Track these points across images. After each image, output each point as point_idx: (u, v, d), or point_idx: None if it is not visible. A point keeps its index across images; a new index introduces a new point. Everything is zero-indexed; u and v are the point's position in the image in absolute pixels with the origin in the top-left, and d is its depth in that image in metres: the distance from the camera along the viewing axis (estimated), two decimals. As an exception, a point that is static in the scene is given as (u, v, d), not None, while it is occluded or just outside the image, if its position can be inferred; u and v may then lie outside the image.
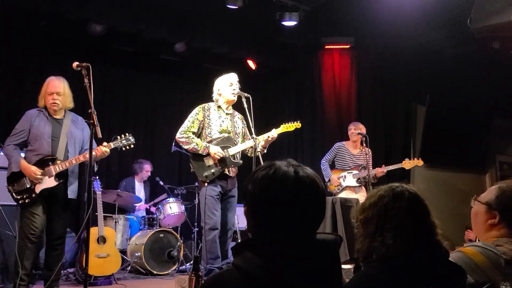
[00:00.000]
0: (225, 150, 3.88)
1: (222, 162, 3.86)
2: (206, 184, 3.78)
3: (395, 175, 5.39)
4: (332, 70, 6.83)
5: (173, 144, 5.98)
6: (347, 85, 6.79)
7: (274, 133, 3.97)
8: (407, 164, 5.32)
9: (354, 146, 5.48)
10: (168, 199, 5.70)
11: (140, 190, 6.22)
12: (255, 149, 3.62)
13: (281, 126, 4.05)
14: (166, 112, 7.19)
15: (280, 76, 7.40)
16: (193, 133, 3.89)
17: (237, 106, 4.14)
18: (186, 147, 3.85)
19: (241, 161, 3.95)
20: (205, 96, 4.22)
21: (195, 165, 3.87)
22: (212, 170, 3.82)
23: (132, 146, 3.80)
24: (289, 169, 1.19)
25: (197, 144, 3.82)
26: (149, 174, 6.28)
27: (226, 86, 4.00)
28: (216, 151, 3.83)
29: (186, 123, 3.92)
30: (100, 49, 6.22)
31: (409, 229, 1.29)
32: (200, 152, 3.83)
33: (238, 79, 4.05)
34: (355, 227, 1.41)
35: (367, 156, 5.39)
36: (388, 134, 6.72)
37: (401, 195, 1.34)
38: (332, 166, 5.56)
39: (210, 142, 3.89)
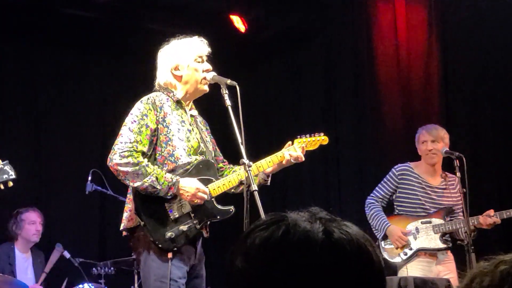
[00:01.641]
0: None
1: (199, 210, 3.94)
2: (170, 256, 3.81)
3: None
4: (394, 31, 6.73)
5: (89, 178, 5.95)
6: (423, 58, 6.67)
7: (297, 151, 4.09)
8: None
9: (432, 172, 5.46)
10: (81, 286, 5.67)
11: (26, 267, 6.23)
12: (249, 184, 3.63)
13: (296, 141, 4.14)
14: (73, 115, 7.09)
15: (294, 44, 7.29)
16: (142, 154, 3.92)
17: (207, 102, 4.21)
18: (136, 183, 3.83)
19: (232, 208, 4.04)
20: (149, 83, 4.21)
21: (147, 218, 3.87)
22: (183, 227, 3.88)
23: (10, 183, 3.82)
24: (314, 227, 1.21)
25: (156, 179, 3.84)
26: (38, 230, 6.30)
27: (191, 61, 4.05)
28: (195, 188, 3.89)
29: (128, 135, 3.92)
30: None
31: None
32: (161, 193, 3.85)
33: (209, 50, 4.11)
34: None
35: (459, 191, 5.25)
36: (506, 146, 6.46)
37: None
38: (389, 209, 5.51)
39: (172, 171, 3.95)
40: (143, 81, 4.52)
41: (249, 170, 3.66)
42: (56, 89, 7.34)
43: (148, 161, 3.89)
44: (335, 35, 7.19)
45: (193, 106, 4.18)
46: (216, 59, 4.13)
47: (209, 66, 4.01)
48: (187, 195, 3.83)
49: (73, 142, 7.23)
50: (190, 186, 3.85)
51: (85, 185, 5.88)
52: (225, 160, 4.24)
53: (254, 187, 3.59)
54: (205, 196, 3.88)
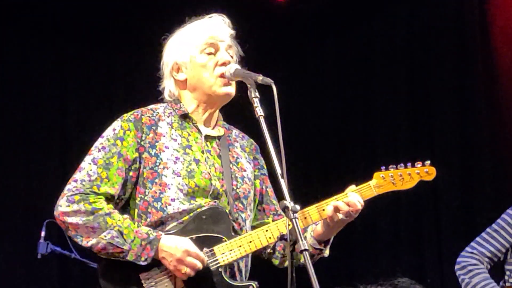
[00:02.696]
0: (206, 250, 3.74)
1: (197, 286, 3.77)
2: None
3: None
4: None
5: (42, 235, 5.78)
6: None
7: (351, 198, 3.70)
8: None
9: None
10: None
11: None
12: (294, 241, 3.23)
13: (375, 175, 3.81)
14: (16, 135, 6.90)
15: (360, 15, 7.15)
16: (108, 198, 3.78)
17: (234, 109, 4.03)
18: (90, 242, 3.73)
19: (254, 284, 3.78)
20: (148, 90, 4.19)
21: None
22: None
23: None
24: None
25: (120, 234, 3.78)
26: None
27: (196, 53, 3.91)
28: (183, 251, 3.72)
29: (89, 169, 3.85)
30: None
31: None
32: (130, 257, 3.73)
33: (231, 32, 3.90)
34: None
35: None
36: None
37: None
38: (497, 272, 5.06)
39: (160, 224, 3.80)
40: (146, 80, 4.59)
41: (296, 218, 3.20)
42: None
43: (113, 209, 3.75)
44: (423, 16, 6.75)
45: (220, 123, 3.98)
46: (242, 45, 3.85)
47: (227, 57, 3.71)
48: (170, 261, 3.68)
49: (17, 176, 6.89)
50: (175, 247, 3.71)
51: (37, 244, 5.58)
52: (280, 213, 3.89)
53: (303, 245, 3.09)
54: (198, 264, 3.63)
